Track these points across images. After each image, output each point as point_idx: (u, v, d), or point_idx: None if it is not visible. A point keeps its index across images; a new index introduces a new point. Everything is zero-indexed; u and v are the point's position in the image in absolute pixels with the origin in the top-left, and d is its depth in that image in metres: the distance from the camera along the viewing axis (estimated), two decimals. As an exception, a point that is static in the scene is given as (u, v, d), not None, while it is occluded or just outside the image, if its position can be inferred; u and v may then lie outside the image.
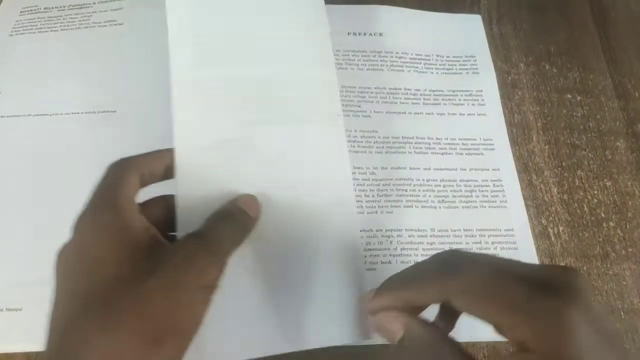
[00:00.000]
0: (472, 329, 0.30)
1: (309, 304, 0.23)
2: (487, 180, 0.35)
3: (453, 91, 0.39)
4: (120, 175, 0.21)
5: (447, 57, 0.41)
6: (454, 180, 0.35)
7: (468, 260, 0.19)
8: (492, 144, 0.37)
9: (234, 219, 0.23)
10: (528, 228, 0.34)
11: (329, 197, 0.25)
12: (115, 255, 0.19)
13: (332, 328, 0.23)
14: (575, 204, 0.37)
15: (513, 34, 0.44)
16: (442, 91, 0.39)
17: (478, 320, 0.17)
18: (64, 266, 0.20)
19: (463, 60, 0.41)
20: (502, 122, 0.38)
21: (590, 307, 0.16)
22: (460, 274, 0.18)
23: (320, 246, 0.24)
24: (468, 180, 0.35)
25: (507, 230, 0.33)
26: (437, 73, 0.40)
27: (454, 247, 0.33)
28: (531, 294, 0.16)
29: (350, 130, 0.37)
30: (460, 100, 0.39)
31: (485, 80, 0.40)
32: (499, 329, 0.17)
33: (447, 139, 0.37)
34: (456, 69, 0.40)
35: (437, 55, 0.41)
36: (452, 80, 0.40)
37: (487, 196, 0.35)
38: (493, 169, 0.36)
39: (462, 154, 0.36)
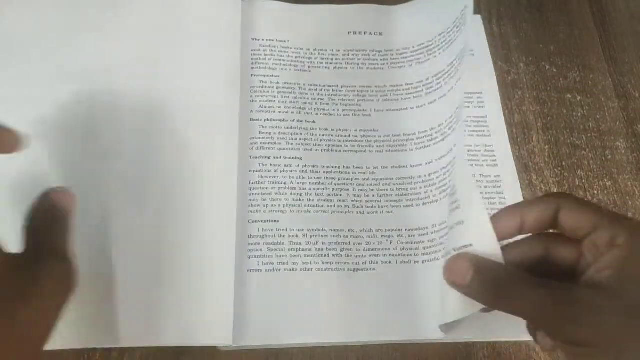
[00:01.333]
0: (472, 329, 0.30)
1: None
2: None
3: (453, 63, 0.36)
4: None
5: (448, 28, 0.38)
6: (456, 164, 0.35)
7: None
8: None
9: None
10: None
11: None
12: None
13: None
14: (576, 204, 0.37)
15: (513, 34, 0.44)
16: (444, 70, 0.37)
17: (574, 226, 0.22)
18: None
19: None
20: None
21: None
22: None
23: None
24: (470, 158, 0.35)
25: None
26: (438, 53, 0.38)
27: (453, 243, 0.32)
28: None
29: (350, 130, 0.36)
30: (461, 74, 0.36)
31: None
32: (595, 231, 0.22)
33: (448, 122, 0.35)
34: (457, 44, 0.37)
35: (439, 34, 0.39)
36: (453, 52, 0.37)
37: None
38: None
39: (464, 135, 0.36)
